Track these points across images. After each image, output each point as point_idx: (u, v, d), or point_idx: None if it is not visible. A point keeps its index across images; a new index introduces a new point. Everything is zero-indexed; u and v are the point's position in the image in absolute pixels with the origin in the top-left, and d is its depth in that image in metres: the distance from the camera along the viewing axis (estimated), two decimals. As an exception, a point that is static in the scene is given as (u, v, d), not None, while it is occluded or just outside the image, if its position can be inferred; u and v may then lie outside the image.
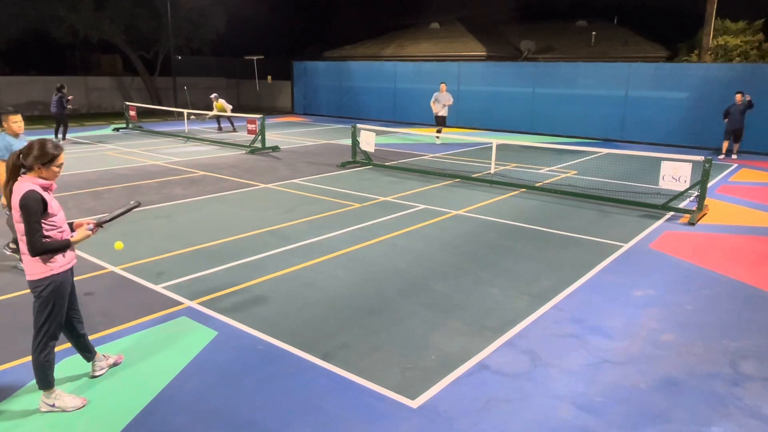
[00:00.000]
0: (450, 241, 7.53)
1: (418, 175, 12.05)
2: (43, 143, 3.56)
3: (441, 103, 16.99)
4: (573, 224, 8.40)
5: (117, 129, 20.04)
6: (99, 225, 3.84)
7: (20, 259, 5.72)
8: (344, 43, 35.78)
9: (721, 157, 15.16)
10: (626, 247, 7.38)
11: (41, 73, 27.91)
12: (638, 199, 9.88)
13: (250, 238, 7.50)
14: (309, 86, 27.71)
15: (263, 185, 10.87)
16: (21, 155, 3.51)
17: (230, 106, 20.01)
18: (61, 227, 3.66)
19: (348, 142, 14.33)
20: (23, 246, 3.57)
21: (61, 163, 3.61)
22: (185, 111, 20.02)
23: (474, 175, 11.81)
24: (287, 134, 19.62)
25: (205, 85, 30.57)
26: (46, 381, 3.75)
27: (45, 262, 3.57)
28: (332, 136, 19.29)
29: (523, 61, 27.95)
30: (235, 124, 20.42)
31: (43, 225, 3.52)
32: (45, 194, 3.53)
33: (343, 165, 13.02)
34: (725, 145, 15.30)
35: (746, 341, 4.86)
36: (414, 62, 25.06)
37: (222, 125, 20.61)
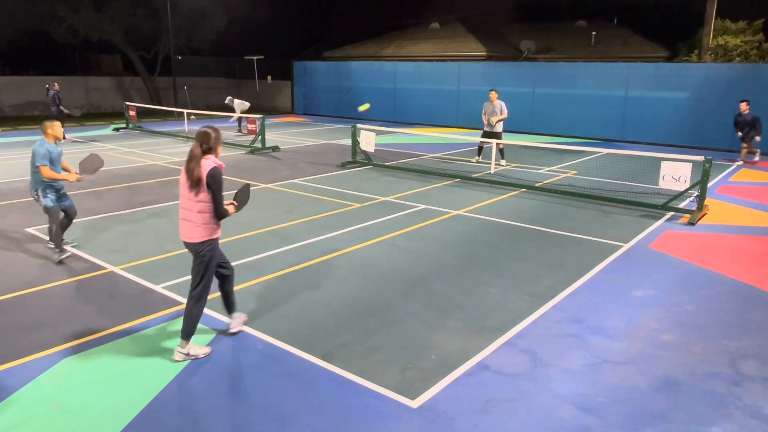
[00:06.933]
0: (450, 241, 7.53)
1: (418, 175, 12.05)
2: (212, 129, 4.30)
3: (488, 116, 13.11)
4: (573, 224, 8.40)
5: (117, 129, 20.04)
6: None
7: (61, 248, 6.61)
8: (344, 43, 35.75)
9: (739, 162, 14.35)
10: (626, 247, 7.38)
11: (41, 73, 27.92)
12: (638, 199, 9.88)
13: (250, 238, 7.50)
14: (309, 86, 27.70)
15: (263, 185, 10.87)
16: (197, 142, 4.22)
17: (247, 104, 19.28)
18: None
19: (348, 142, 14.33)
20: (195, 215, 4.26)
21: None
22: (185, 111, 20.00)
23: (474, 175, 11.81)
24: (287, 134, 19.62)
25: (205, 85, 30.58)
26: (192, 330, 4.42)
27: (214, 227, 4.37)
28: (332, 136, 19.29)
29: (523, 61, 27.95)
30: (233, 123, 20.35)
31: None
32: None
33: (343, 165, 13.02)
34: (744, 150, 14.21)
35: (746, 341, 4.86)
36: (414, 62, 25.05)
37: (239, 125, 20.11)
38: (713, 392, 4.08)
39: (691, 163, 8.95)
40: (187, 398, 3.92)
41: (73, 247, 7.04)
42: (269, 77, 29.66)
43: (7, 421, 3.64)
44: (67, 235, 7.31)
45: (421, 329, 4.96)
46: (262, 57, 28.21)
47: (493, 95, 13.12)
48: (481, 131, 13.49)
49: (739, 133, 14.03)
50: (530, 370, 4.34)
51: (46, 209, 6.56)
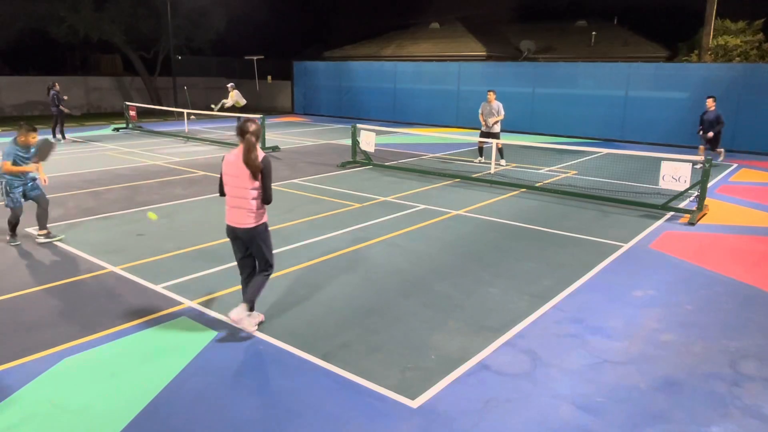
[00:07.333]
0: (450, 241, 7.52)
1: (418, 175, 12.05)
2: (254, 121, 4.51)
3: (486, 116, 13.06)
4: (573, 224, 8.40)
5: (117, 129, 20.03)
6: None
7: (45, 236, 7.21)
8: (344, 43, 35.78)
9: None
10: (626, 247, 7.38)
11: (41, 73, 27.91)
12: (638, 199, 9.88)
13: (250, 238, 7.49)
14: (309, 86, 27.70)
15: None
16: (251, 133, 4.42)
17: (244, 101, 19.15)
18: None
19: (348, 142, 14.33)
20: (250, 202, 4.54)
21: None
22: (185, 111, 20.00)
23: (474, 175, 11.81)
24: (287, 134, 19.62)
25: (205, 85, 30.58)
26: (255, 297, 4.81)
27: (263, 212, 4.70)
28: (332, 136, 19.28)
29: (523, 61, 27.94)
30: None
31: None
32: None
33: (343, 165, 13.02)
34: (701, 150, 12.97)
35: (746, 341, 4.86)
36: (414, 62, 25.05)
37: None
38: (713, 392, 4.08)
39: (691, 163, 8.95)
40: (187, 398, 3.92)
41: (65, 243, 7.07)
42: (269, 77, 29.66)
43: (7, 421, 3.64)
44: (59, 231, 7.32)
45: (421, 329, 4.96)
46: (262, 57, 28.21)
47: (491, 96, 13.07)
48: (479, 131, 13.48)
49: (707, 133, 12.74)
50: (530, 370, 4.34)
51: (7, 207, 7.10)
